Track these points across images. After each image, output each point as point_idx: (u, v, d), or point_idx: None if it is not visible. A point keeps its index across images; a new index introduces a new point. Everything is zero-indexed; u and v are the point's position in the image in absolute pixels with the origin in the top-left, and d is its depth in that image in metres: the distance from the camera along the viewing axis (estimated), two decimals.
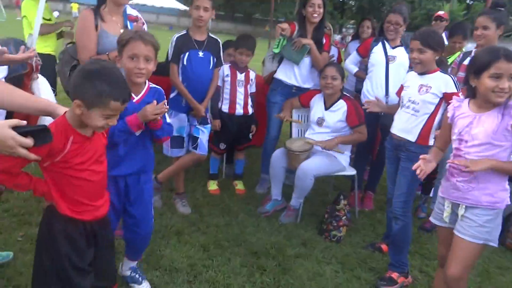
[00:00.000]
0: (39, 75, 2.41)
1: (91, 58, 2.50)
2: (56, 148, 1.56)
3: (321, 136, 3.52)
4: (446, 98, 2.60)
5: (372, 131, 3.61)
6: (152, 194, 2.38)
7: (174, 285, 2.54)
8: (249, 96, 3.87)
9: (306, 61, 3.75)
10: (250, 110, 3.91)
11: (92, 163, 1.70)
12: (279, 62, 3.93)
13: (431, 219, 2.35)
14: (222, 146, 3.93)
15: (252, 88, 3.92)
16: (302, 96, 3.74)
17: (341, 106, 3.50)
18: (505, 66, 1.94)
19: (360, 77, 4.01)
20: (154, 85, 2.24)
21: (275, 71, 3.99)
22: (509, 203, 2.14)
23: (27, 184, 1.65)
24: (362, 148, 3.90)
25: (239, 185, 4.05)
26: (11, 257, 2.55)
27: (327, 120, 3.52)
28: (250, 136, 4.01)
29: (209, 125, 3.51)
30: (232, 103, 3.79)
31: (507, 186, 2.11)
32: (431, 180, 3.77)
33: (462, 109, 2.15)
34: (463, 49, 4.04)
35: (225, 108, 3.81)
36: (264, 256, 2.97)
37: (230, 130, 3.85)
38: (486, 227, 2.08)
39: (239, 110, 3.82)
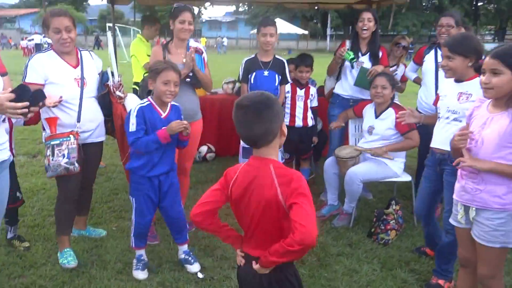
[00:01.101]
0: (130, 94, 3.22)
1: None
2: None
3: (372, 144, 3.70)
4: None
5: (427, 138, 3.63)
6: (178, 187, 2.97)
7: (221, 270, 3.03)
8: (309, 110, 4.23)
9: None
10: (310, 123, 4.27)
11: None
12: (337, 79, 4.23)
13: (451, 220, 2.40)
14: (286, 155, 4.35)
15: (313, 103, 4.28)
16: (356, 107, 3.97)
17: (390, 114, 3.63)
18: (487, 61, 2.02)
19: (419, 83, 4.06)
20: (174, 103, 2.85)
21: (333, 87, 4.29)
22: None
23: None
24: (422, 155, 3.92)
25: None
26: (104, 234, 3.42)
27: (377, 128, 3.69)
28: (312, 147, 4.35)
29: None
30: (292, 116, 4.21)
31: None
32: None
33: (481, 109, 2.19)
34: None
35: (286, 121, 4.25)
36: (307, 252, 3.27)
37: (291, 141, 4.25)
38: (500, 230, 2.09)
39: (299, 123, 4.22)
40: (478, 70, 2.25)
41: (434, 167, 2.80)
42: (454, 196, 2.30)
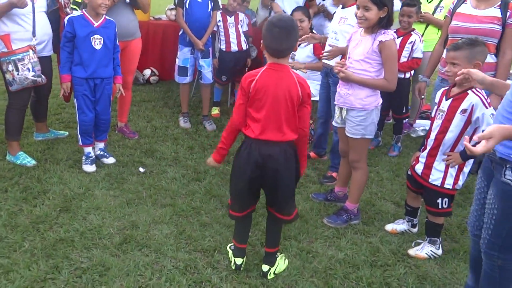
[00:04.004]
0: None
1: None
2: None
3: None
4: None
5: None
6: (110, 93, 3.47)
7: (160, 166, 3.62)
8: (241, 34, 4.71)
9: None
10: (244, 46, 4.76)
11: None
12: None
13: (333, 122, 3.11)
14: (224, 78, 4.87)
15: (243, 28, 4.75)
16: None
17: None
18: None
19: None
20: (108, 17, 3.29)
21: (268, 17, 4.76)
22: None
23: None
24: None
25: None
26: (67, 134, 3.91)
27: (298, 55, 4.26)
28: (246, 69, 4.89)
29: (209, 58, 4.46)
30: (227, 42, 4.68)
31: (375, 92, 2.79)
32: (401, 120, 4.30)
33: (356, 34, 2.81)
34: None
35: (222, 47, 4.72)
36: (233, 154, 3.93)
37: (228, 64, 4.76)
38: (361, 125, 2.81)
39: (234, 47, 4.70)
40: None
41: (325, 78, 3.55)
42: (334, 102, 2.99)
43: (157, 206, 3.04)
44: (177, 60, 4.44)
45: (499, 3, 2.99)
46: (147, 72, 5.82)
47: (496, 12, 2.99)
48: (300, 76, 2.21)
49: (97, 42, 3.24)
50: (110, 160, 3.58)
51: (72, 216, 2.83)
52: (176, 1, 4.29)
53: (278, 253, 2.50)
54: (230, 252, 2.52)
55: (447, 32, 3.25)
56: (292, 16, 2.22)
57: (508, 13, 2.95)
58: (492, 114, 2.31)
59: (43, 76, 3.26)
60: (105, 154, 3.60)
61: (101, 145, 3.61)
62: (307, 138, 2.32)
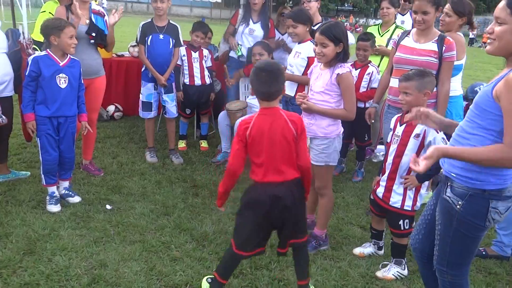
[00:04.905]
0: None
1: None
2: None
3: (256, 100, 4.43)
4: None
5: None
6: (74, 132, 3.44)
7: (127, 202, 3.59)
8: (205, 69, 4.83)
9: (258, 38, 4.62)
10: (208, 81, 4.88)
11: None
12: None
13: None
14: (188, 111, 4.94)
15: (207, 63, 4.87)
16: (245, 68, 4.66)
17: None
18: (317, 36, 2.78)
19: None
20: (73, 57, 3.34)
21: (228, 51, 4.92)
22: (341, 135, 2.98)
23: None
24: None
25: (203, 144, 5.06)
26: (29, 175, 3.76)
27: None
28: (210, 103, 5.00)
29: (173, 93, 4.52)
30: (191, 76, 4.78)
31: (336, 122, 2.93)
32: (364, 148, 4.51)
33: (316, 68, 2.98)
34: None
35: (186, 80, 4.81)
36: (202, 187, 3.96)
37: (191, 97, 4.85)
38: (325, 153, 2.93)
39: (197, 81, 4.80)
40: (313, 34, 3.11)
41: (285, 106, 3.77)
42: None
43: (126, 243, 2.99)
44: (140, 95, 4.48)
45: (437, 38, 3.24)
46: (111, 108, 5.81)
47: (433, 46, 3.23)
48: (291, 113, 2.33)
49: (62, 81, 3.25)
50: (76, 199, 3.52)
51: (37, 258, 2.75)
52: (138, 38, 4.37)
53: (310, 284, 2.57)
54: (207, 286, 2.51)
55: (392, 62, 3.48)
56: (276, 62, 2.44)
57: (444, 48, 3.20)
58: (443, 138, 2.49)
59: (3, 116, 3.22)
60: (70, 193, 3.54)
61: (65, 184, 3.55)
62: (310, 171, 2.39)
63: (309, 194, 2.83)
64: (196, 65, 4.77)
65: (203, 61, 4.81)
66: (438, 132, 2.52)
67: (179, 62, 4.68)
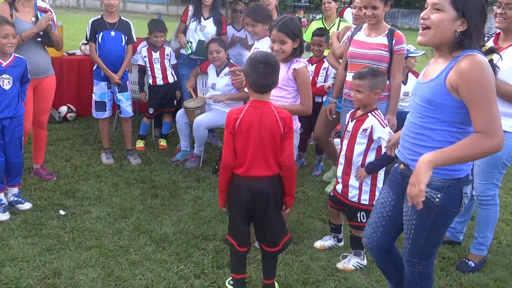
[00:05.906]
0: None
1: None
2: None
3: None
4: None
5: None
6: (21, 136, 3.26)
7: (82, 207, 3.45)
8: (168, 68, 4.73)
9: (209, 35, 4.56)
10: (171, 80, 4.78)
11: None
12: None
13: None
14: (151, 111, 4.84)
15: (172, 61, 4.78)
16: (202, 66, 4.59)
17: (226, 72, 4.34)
18: (275, 34, 2.76)
19: None
20: (19, 56, 3.19)
21: (179, 48, 4.82)
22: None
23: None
24: None
25: (162, 142, 4.96)
26: None
27: (218, 84, 4.37)
28: (175, 102, 4.91)
29: (127, 92, 4.38)
30: (153, 77, 4.70)
31: (293, 117, 2.92)
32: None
33: None
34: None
35: (150, 81, 4.74)
36: (161, 188, 3.88)
37: (155, 97, 4.75)
38: None
39: (160, 82, 4.72)
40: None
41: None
42: None
43: (81, 249, 2.88)
44: (93, 95, 4.31)
45: (387, 32, 3.32)
46: (64, 109, 5.56)
47: (383, 40, 3.30)
48: (282, 110, 2.29)
49: (5, 82, 3.06)
50: (26, 205, 3.34)
51: None
52: (88, 36, 4.21)
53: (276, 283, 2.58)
54: None
55: (347, 57, 3.54)
56: (274, 54, 2.41)
57: (394, 41, 3.28)
58: (390, 133, 2.59)
59: None
60: (20, 199, 3.36)
61: (14, 190, 3.36)
62: (293, 170, 2.31)
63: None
64: (157, 66, 4.69)
65: (166, 60, 4.72)
66: (384, 127, 2.62)
67: (141, 63, 4.60)
